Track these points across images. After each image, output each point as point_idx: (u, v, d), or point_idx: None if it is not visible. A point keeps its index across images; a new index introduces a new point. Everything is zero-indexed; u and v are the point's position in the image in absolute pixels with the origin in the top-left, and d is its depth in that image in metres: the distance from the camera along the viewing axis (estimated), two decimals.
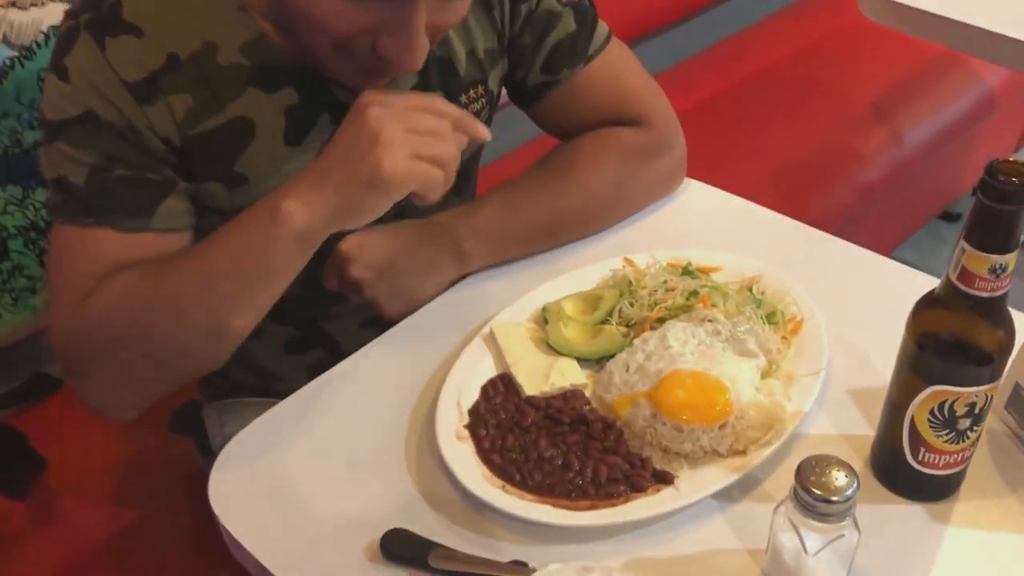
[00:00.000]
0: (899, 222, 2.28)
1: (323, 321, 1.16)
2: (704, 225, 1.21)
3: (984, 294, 0.74)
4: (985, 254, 0.72)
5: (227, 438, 0.94)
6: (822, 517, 0.73)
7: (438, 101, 0.88)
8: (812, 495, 0.73)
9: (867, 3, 1.81)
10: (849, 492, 0.72)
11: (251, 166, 0.99)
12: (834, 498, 0.72)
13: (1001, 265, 0.73)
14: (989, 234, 0.72)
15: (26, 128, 1.37)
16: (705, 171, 1.29)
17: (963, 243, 0.73)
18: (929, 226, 2.58)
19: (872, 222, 2.09)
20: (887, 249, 2.28)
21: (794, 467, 0.87)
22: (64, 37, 0.94)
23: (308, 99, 0.99)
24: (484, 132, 0.92)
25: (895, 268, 1.15)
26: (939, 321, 0.78)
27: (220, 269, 0.88)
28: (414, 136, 0.84)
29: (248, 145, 0.98)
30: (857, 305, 1.07)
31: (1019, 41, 1.60)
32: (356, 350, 1.03)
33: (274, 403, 0.98)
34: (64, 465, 1.36)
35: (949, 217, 2.66)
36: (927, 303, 0.79)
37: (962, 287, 0.74)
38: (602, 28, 1.17)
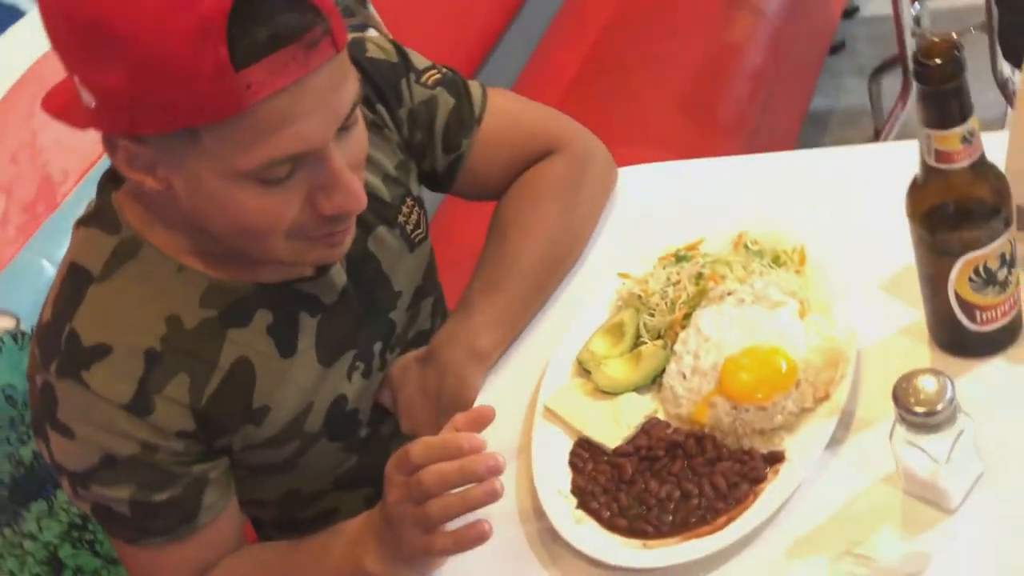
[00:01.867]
0: (800, 82, 2.33)
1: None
2: (658, 205, 1.23)
3: (967, 161, 0.77)
4: (950, 131, 0.75)
5: None
6: (936, 428, 0.76)
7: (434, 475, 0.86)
8: (918, 415, 0.75)
9: None
10: (949, 395, 0.75)
11: (266, 395, 1.00)
12: (939, 407, 0.75)
13: (969, 131, 0.76)
14: (944, 113, 0.75)
15: (19, 445, 1.36)
16: (614, 148, 1.31)
17: (926, 130, 0.77)
18: (824, 67, 2.64)
19: (780, 97, 2.13)
20: (803, 109, 2.33)
21: (874, 383, 0.91)
22: (43, 396, 0.94)
23: (281, 311, 1.01)
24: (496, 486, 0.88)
25: (846, 152, 1.19)
26: (938, 202, 0.81)
27: None
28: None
29: (254, 380, 0.99)
30: (837, 203, 1.11)
31: None
32: None
33: None
34: None
35: (834, 50, 2.72)
36: (919, 192, 0.82)
37: (945, 166, 0.78)
38: (475, 87, 1.18)
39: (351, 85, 0.88)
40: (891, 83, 2.45)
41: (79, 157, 1.44)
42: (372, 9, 1.81)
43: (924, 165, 0.80)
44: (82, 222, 1.00)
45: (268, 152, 0.83)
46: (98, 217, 0.98)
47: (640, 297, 1.06)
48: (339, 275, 1.04)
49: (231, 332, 0.97)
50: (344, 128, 0.88)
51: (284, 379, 1.01)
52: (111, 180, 0.99)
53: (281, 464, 1.06)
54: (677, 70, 2.07)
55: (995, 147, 0.88)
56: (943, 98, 0.74)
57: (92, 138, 0.89)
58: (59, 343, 0.94)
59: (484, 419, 0.87)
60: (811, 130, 2.54)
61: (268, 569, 1.00)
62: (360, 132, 0.92)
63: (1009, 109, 1.80)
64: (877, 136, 2.37)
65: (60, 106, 0.88)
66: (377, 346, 1.11)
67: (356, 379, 1.09)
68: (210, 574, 0.96)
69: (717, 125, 1.96)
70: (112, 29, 0.79)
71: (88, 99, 0.83)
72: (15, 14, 1.40)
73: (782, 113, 2.16)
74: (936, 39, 0.73)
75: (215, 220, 0.90)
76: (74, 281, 0.96)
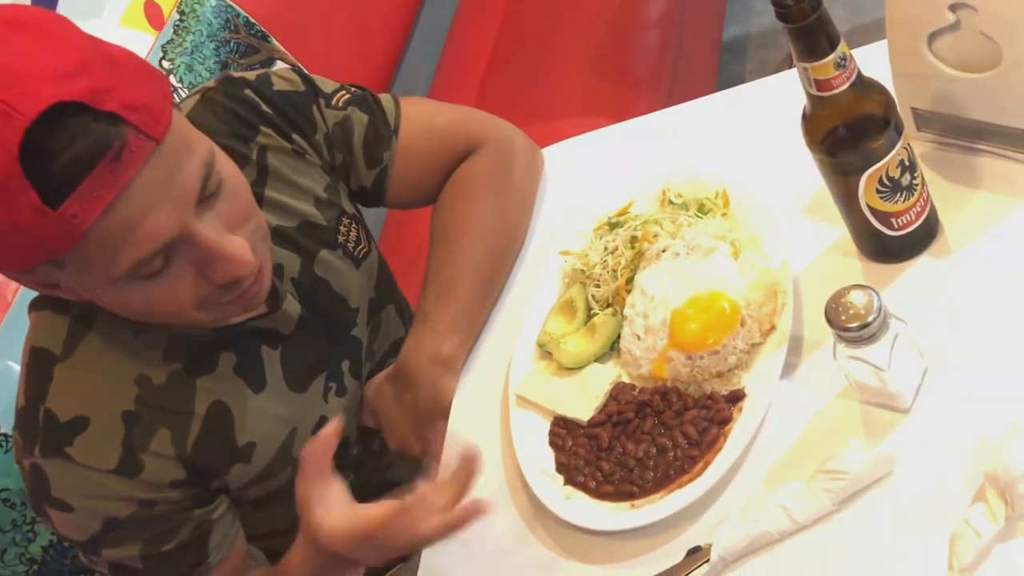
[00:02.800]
0: (709, 17, 2.35)
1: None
2: (585, 177, 1.26)
3: (845, 84, 0.81)
4: (822, 60, 0.79)
5: None
6: (872, 339, 0.80)
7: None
8: (852, 330, 0.79)
9: None
10: (876, 304, 0.79)
11: (249, 432, 1.04)
12: (870, 318, 0.79)
13: (841, 56, 0.80)
14: (813, 45, 0.79)
15: (27, 543, 1.38)
16: (540, 126, 1.33)
17: (800, 64, 0.80)
18: None
19: (692, 37, 2.16)
20: (718, 42, 2.36)
21: (815, 305, 0.95)
22: (34, 478, 0.97)
23: (242, 350, 1.04)
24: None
25: (751, 88, 1.22)
26: (829, 127, 0.85)
27: None
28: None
29: (233, 420, 1.03)
30: (752, 138, 1.14)
31: None
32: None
33: None
34: None
35: None
36: (811, 121, 0.86)
37: (826, 93, 0.81)
38: (387, 99, 1.20)
39: (196, 158, 0.86)
40: None
41: None
42: (276, 42, 1.82)
43: (809, 95, 0.83)
44: (34, 306, 1.03)
45: (128, 259, 0.84)
46: (47, 299, 1.00)
47: (583, 271, 1.10)
48: (292, 306, 1.07)
49: (200, 380, 1.01)
50: (206, 197, 0.87)
51: (262, 413, 1.04)
52: None
53: (280, 492, 1.09)
54: (587, 30, 2.08)
55: (879, 57, 0.92)
56: (808, 32, 0.78)
57: None
58: (38, 424, 0.97)
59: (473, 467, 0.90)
60: (730, 60, 2.56)
61: None
62: (232, 187, 0.91)
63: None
64: None
65: None
66: (345, 364, 1.14)
67: (332, 399, 1.13)
68: None
69: (636, 79, 1.99)
70: None
71: None
72: None
73: (697, 51, 2.19)
74: None
75: (127, 313, 0.93)
76: (39, 364, 0.99)
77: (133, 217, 0.82)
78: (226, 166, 0.92)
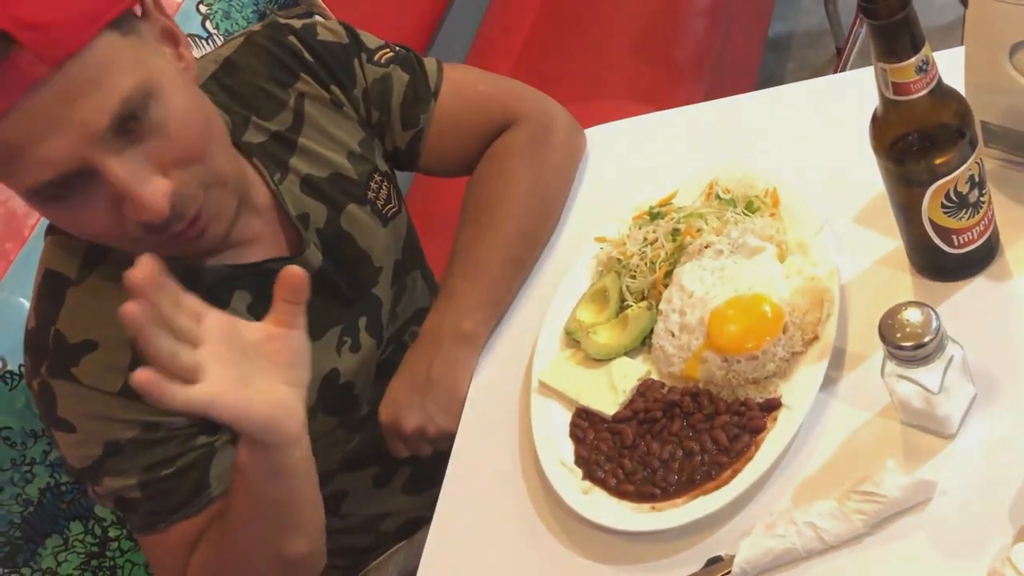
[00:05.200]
0: (756, 10, 2.30)
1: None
2: (627, 162, 1.22)
3: (924, 90, 0.77)
4: (904, 62, 0.75)
5: None
6: (925, 360, 0.76)
7: None
8: (906, 349, 0.76)
9: None
10: (934, 325, 0.75)
11: None
12: (926, 339, 0.75)
13: (923, 60, 0.75)
14: (895, 45, 0.74)
15: (24, 484, 1.36)
16: (578, 104, 1.30)
17: (880, 65, 0.76)
18: None
19: (738, 29, 2.11)
20: (763, 37, 2.31)
21: (860, 317, 0.91)
22: (41, 397, 0.97)
23: (257, 290, 1.02)
24: None
25: (808, 86, 1.18)
26: (901, 134, 0.80)
27: (248, 512, 0.93)
28: None
29: None
30: (803, 139, 1.10)
31: None
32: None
33: None
34: None
35: None
36: (881, 125, 0.81)
37: (903, 97, 0.77)
38: (430, 63, 1.18)
39: (112, 90, 0.81)
40: None
41: None
42: None
43: (883, 98, 0.79)
44: (51, 230, 1.02)
45: (27, 179, 0.82)
46: None
47: (619, 260, 1.06)
48: (314, 255, 1.06)
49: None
50: (127, 132, 0.84)
51: None
52: None
53: None
54: (632, 16, 2.04)
55: (954, 64, 0.88)
56: (893, 31, 0.73)
57: None
58: (47, 345, 0.96)
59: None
60: (773, 56, 2.52)
61: (221, 516, 0.99)
62: (179, 126, 0.87)
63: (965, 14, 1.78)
64: (839, 54, 2.35)
65: None
66: (363, 321, 1.12)
67: (345, 354, 1.11)
68: (192, 561, 0.98)
69: (678, 67, 1.94)
70: None
71: None
72: None
73: (742, 45, 2.14)
74: None
75: (68, 230, 0.92)
76: (52, 286, 0.98)
77: (21, 139, 0.80)
78: (176, 104, 0.86)
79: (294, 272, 0.84)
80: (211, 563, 0.98)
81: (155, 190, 0.85)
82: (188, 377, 0.77)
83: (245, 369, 0.81)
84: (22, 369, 1.26)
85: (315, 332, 1.04)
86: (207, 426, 0.99)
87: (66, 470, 1.00)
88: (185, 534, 0.99)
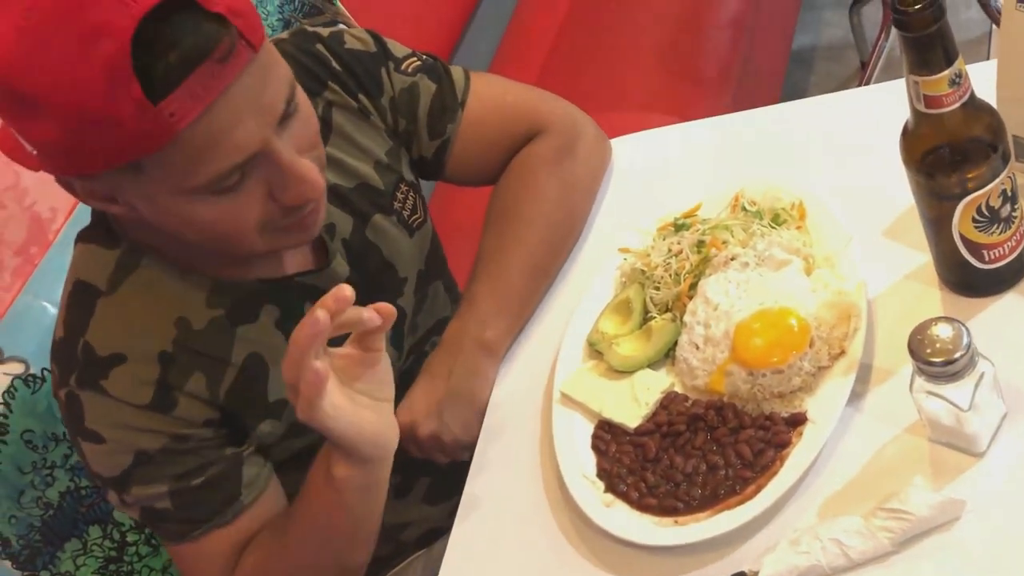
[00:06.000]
0: (781, 23, 2.30)
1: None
2: (651, 173, 1.22)
3: (957, 103, 0.76)
4: (937, 75, 0.74)
5: None
6: (955, 376, 0.75)
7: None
8: (936, 365, 0.75)
9: None
10: (965, 341, 0.74)
11: (282, 389, 1.00)
12: (956, 355, 0.74)
13: (956, 73, 0.74)
14: (928, 58, 0.74)
15: (44, 488, 1.36)
16: (601, 115, 1.29)
17: (912, 77, 0.75)
18: (804, 2, 2.61)
19: (762, 42, 2.10)
20: (787, 50, 2.30)
21: (887, 332, 0.90)
22: (69, 409, 0.97)
23: (287, 304, 1.02)
24: None
25: (835, 99, 1.17)
26: (932, 147, 0.80)
27: (327, 523, 0.94)
28: None
29: (268, 374, 1.02)
30: (830, 152, 1.09)
31: None
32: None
33: None
34: None
35: None
36: (912, 138, 0.81)
37: (934, 111, 0.76)
38: (457, 71, 1.18)
39: (280, 76, 0.86)
40: (872, 11, 2.41)
41: (66, 192, 1.44)
42: (340, 5, 1.79)
43: (914, 111, 0.78)
44: (81, 238, 1.02)
45: (212, 168, 0.83)
46: (96, 231, 1.00)
47: (643, 271, 1.05)
48: (341, 266, 1.06)
49: (240, 329, 1.00)
50: (285, 117, 0.87)
51: None
52: None
53: (306, 451, 1.05)
54: (656, 27, 2.04)
55: (983, 78, 0.87)
56: (927, 44, 0.72)
57: None
58: (76, 356, 0.96)
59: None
60: (796, 69, 2.51)
61: (278, 526, 1.00)
62: (305, 112, 0.92)
63: (994, 30, 1.77)
64: (863, 68, 2.34)
65: (11, 148, 0.88)
66: (387, 332, 1.11)
67: None
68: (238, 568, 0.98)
69: (703, 78, 1.94)
70: (25, 90, 0.79)
71: (29, 148, 0.84)
72: None
73: (765, 57, 2.13)
74: None
75: (185, 232, 0.91)
76: (82, 297, 0.98)
77: (225, 124, 0.82)
78: (300, 91, 0.91)
79: (343, 293, 0.85)
80: (268, 570, 0.99)
81: (311, 167, 0.90)
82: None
83: (346, 389, 0.87)
84: (44, 373, 1.27)
85: (340, 346, 1.05)
86: (233, 437, 1.00)
87: (88, 478, 1.00)
88: (220, 542, 1.00)
